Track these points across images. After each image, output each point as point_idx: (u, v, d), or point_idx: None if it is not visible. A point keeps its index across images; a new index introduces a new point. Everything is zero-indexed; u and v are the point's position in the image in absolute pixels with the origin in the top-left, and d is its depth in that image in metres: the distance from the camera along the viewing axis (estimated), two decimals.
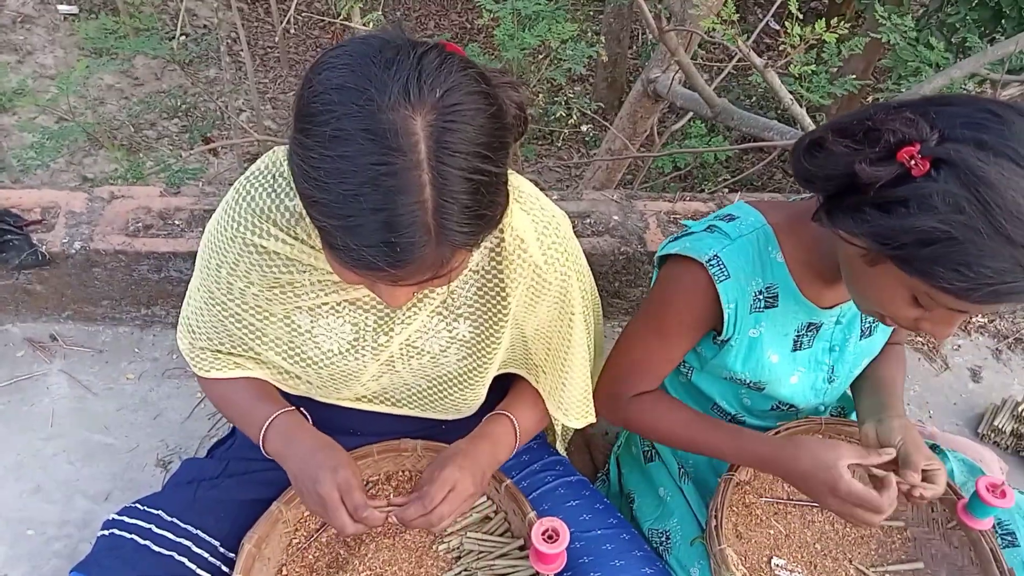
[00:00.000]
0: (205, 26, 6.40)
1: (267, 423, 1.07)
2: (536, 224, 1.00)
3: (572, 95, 3.23)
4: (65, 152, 4.45)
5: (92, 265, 1.67)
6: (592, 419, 1.23)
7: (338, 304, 1.02)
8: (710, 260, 1.07)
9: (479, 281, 1.03)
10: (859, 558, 1.22)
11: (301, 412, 1.13)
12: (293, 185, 0.76)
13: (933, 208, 0.80)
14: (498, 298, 1.03)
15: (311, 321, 1.03)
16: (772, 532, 1.24)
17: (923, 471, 1.06)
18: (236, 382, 1.13)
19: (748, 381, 1.19)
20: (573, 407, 1.19)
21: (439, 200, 0.70)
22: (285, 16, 5.83)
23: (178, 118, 5.56)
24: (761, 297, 1.11)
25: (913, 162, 0.81)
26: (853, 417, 1.36)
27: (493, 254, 1.00)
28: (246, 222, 0.95)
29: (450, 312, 1.04)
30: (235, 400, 1.13)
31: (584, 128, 4.93)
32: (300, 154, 0.72)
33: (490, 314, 1.05)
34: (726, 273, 1.07)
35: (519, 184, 1.01)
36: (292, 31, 6.13)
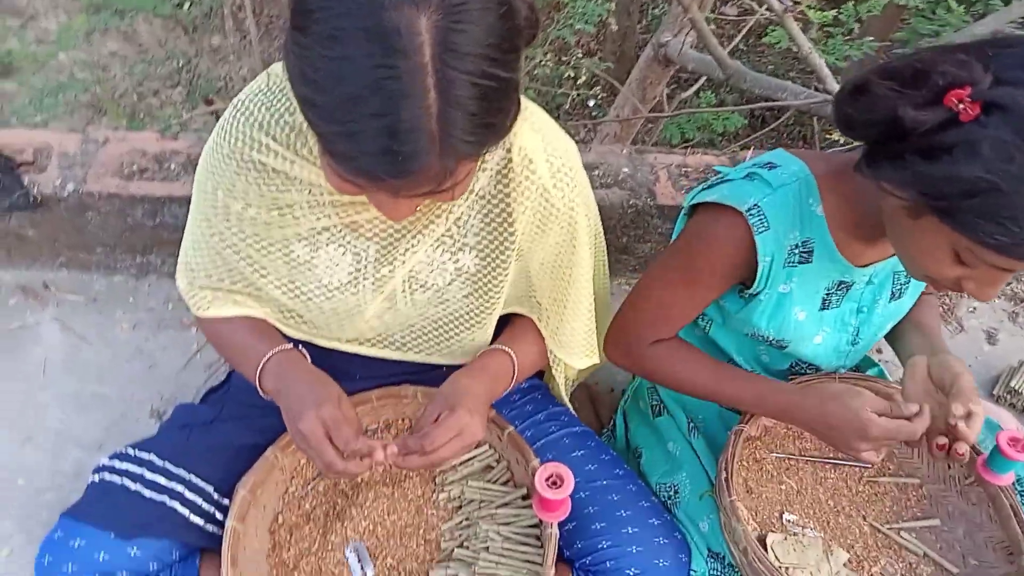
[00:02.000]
0: None
1: (263, 361, 1.03)
2: (546, 146, 0.95)
3: (576, 61, 3.16)
4: (66, 113, 4.39)
5: (85, 209, 1.63)
6: (596, 359, 1.19)
7: (339, 231, 0.97)
8: (750, 209, 1.00)
9: (484, 207, 0.98)
10: (873, 515, 1.18)
11: (300, 350, 1.09)
12: (291, 94, 0.71)
13: (980, 156, 0.74)
14: (504, 225, 0.98)
15: (311, 252, 0.98)
16: (783, 488, 1.20)
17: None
18: (235, 321, 1.09)
19: (771, 338, 1.14)
20: (576, 345, 1.15)
21: (444, 107, 0.65)
22: None
23: (181, 86, 5.49)
24: (796, 251, 1.05)
25: (962, 106, 0.75)
26: (869, 373, 1.32)
27: (499, 176, 0.95)
28: (244, 136, 0.90)
29: (455, 242, 1.00)
30: (234, 340, 1.09)
31: (591, 103, 4.86)
32: (297, 53, 0.67)
33: (496, 243, 1.00)
34: (765, 224, 1.01)
35: (528, 105, 0.96)
36: None
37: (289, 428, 0.99)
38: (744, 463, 1.20)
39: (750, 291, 1.09)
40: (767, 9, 2.09)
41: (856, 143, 1.15)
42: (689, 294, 1.11)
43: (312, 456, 0.96)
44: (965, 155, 0.75)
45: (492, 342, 1.15)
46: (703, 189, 1.10)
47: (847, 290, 1.11)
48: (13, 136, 1.68)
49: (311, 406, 0.95)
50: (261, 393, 1.05)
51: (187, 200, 1.58)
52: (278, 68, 0.92)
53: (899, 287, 1.15)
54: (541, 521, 1.08)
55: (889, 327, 1.21)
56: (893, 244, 0.95)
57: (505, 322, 1.19)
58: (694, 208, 1.11)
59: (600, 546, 1.08)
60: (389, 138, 0.66)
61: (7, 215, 1.62)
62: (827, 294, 1.10)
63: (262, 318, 1.10)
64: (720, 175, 1.11)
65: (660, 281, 1.14)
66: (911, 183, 0.80)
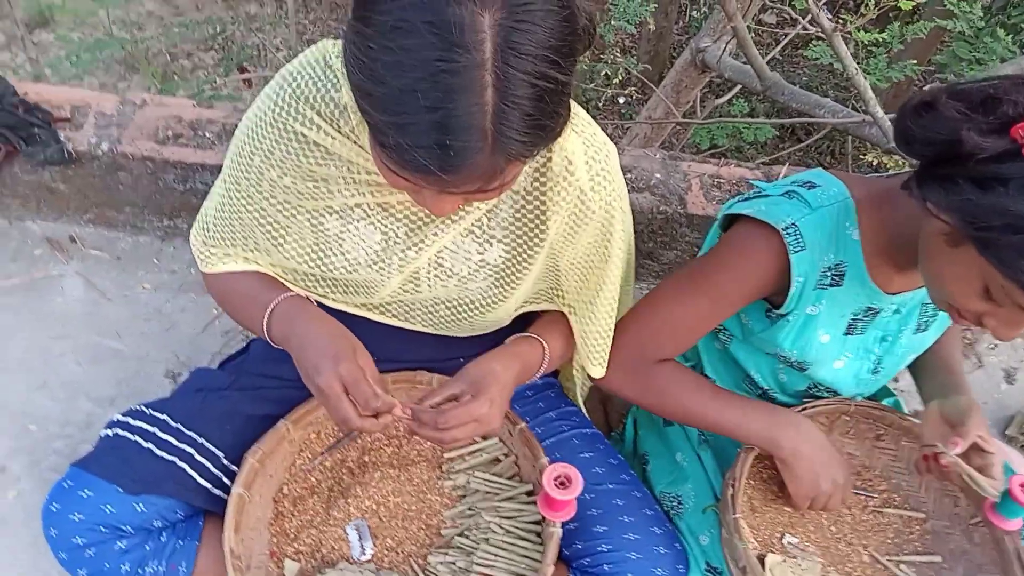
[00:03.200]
0: None
1: (272, 306, 1.02)
2: (587, 148, 0.95)
3: (613, 60, 3.15)
4: (100, 69, 4.41)
5: (118, 168, 1.64)
6: (603, 372, 1.17)
7: (370, 208, 0.97)
8: (787, 228, 0.99)
9: (519, 203, 0.98)
10: (875, 546, 1.18)
11: (309, 297, 1.09)
12: (343, 77, 0.72)
13: None
14: (536, 222, 0.98)
15: (341, 225, 0.99)
16: (787, 510, 1.19)
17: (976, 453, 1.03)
18: (244, 274, 1.09)
19: (792, 359, 1.12)
20: (596, 351, 1.14)
21: (500, 104, 0.66)
22: None
23: (215, 51, 5.51)
24: (828, 274, 1.04)
25: None
26: (885, 403, 1.31)
27: (537, 175, 0.95)
28: (289, 107, 0.91)
29: (483, 233, 1.00)
30: (239, 289, 1.08)
31: (621, 100, 4.83)
32: (357, 43, 0.68)
33: (525, 239, 1.00)
34: (802, 244, 1.00)
35: (573, 106, 0.96)
36: None
37: (304, 379, 0.97)
38: (751, 481, 1.20)
39: (779, 311, 1.08)
40: (810, 23, 2.06)
41: (895, 172, 1.14)
42: (707, 309, 1.09)
43: (328, 410, 0.95)
44: (1019, 190, 0.74)
45: (524, 329, 1.14)
46: (739, 201, 1.09)
47: (873, 317, 1.10)
48: (53, 92, 1.69)
49: (329, 360, 0.93)
50: (269, 341, 1.04)
51: (219, 168, 1.59)
52: (327, 44, 0.92)
53: (925, 320, 1.14)
54: (544, 519, 1.09)
55: (911, 359, 1.20)
56: (923, 270, 0.94)
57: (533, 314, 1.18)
58: (728, 221, 1.11)
59: (600, 549, 1.08)
60: (442, 132, 0.66)
61: (40, 168, 1.63)
62: (853, 319, 1.10)
63: (270, 274, 1.10)
64: (757, 189, 1.10)
65: (676, 294, 1.11)
66: (958, 209, 0.79)
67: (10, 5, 3.40)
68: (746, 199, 1.09)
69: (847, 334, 1.11)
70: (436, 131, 0.66)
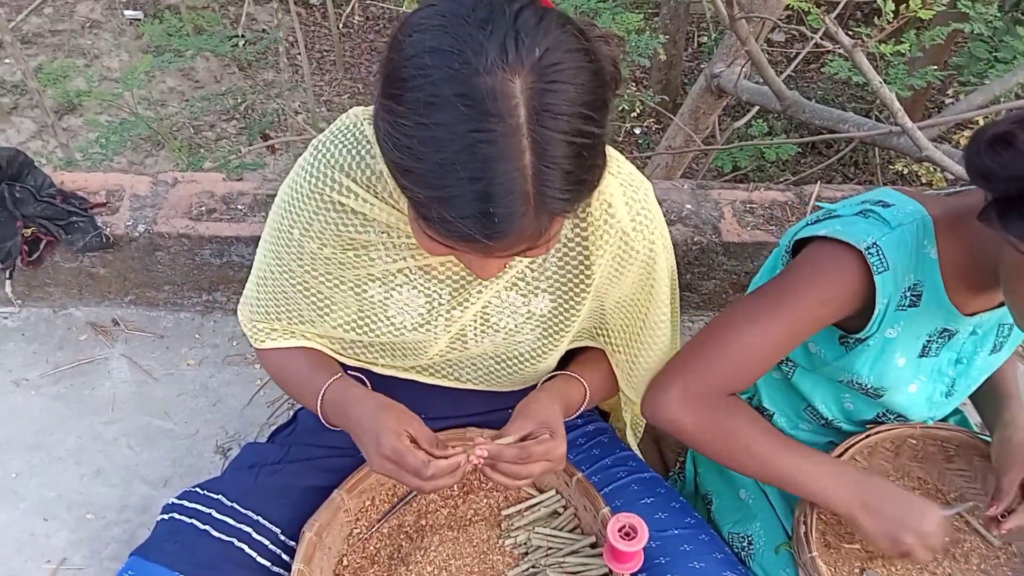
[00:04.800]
0: (264, 30, 6.50)
1: (321, 393, 1.03)
2: (624, 189, 0.95)
3: (629, 94, 3.18)
4: (128, 148, 4.54)
5: (155, 249, 1.67)
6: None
7: (412, 272, 0.97)
8: (869, 248, 0.95)
9: (561, 251, 0.97)
10: (959, 573, 1.12)
11: (355, 374, 1.09)
12: (375, 148, 0.72)
13: None
14: (580, 268, 0.97)
15: (384, 291, 0.99)
16: (863, 542, 1.15)
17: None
18: (293, 352, 1.10)
19: (868, 386, 1.08)
20: (644, 389, 1.12)
21: (539, 166, 0.66)
22: (341, 19, 5.90)
23: (236, 120, 5.66)
24: (907, 295, 1.00)
25: None
26: (951, 421, 1.26)
27: (578, 220, 0.95)
28: (325, 177, 0.91)
29: (528, 285, 0.99)
30: (292, 371, 1.10)
31: (638, 132, 4.86)
32: (390, 121, 0.68)
33: (571, 286, 0.99)
34: (885, 264, 0.96)
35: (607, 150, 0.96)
36: (353, 26, 6.18)
37: (370, 465, 0.99)
38: (822, 515, 1.15)
39: (857, 336, 1.03)
40: (824, 38, 2.05)
41: (961, 188, 1.10)
42: (782, 334, 1.02)
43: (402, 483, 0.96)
44: None
45: (563, 367, 1.14)
46: (810, 223, 1.06)
47: (949, 338, 1.06)
48: (87, 178, 1.74)
49: (372, 445, 0.94)
50: (326, 424, 1.05)
51: (253, 240, 1.62)
52: (358, 110, 0.93)
53: (1001, 340, 1.09)
54: (611, 571, 1.06)
55: (982, 380, 1.15)
56: (1009, 296, 0.90)
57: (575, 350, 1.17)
58: (798, 245, 1.07)
59: None
60: (485, 201, 0.66)
61: (80, 255, 1.66)
62: (928, 341, 1.05)
63: (319, 348, 1.11)
64: (826, 211, 1.07)
65: (749, 320, 1.04)
66: None
67: (40, 95, 3.53)
68: (817, 220, 1.05)
69: (921, 356, 1.07)
70: (479, 201, 0.66)
